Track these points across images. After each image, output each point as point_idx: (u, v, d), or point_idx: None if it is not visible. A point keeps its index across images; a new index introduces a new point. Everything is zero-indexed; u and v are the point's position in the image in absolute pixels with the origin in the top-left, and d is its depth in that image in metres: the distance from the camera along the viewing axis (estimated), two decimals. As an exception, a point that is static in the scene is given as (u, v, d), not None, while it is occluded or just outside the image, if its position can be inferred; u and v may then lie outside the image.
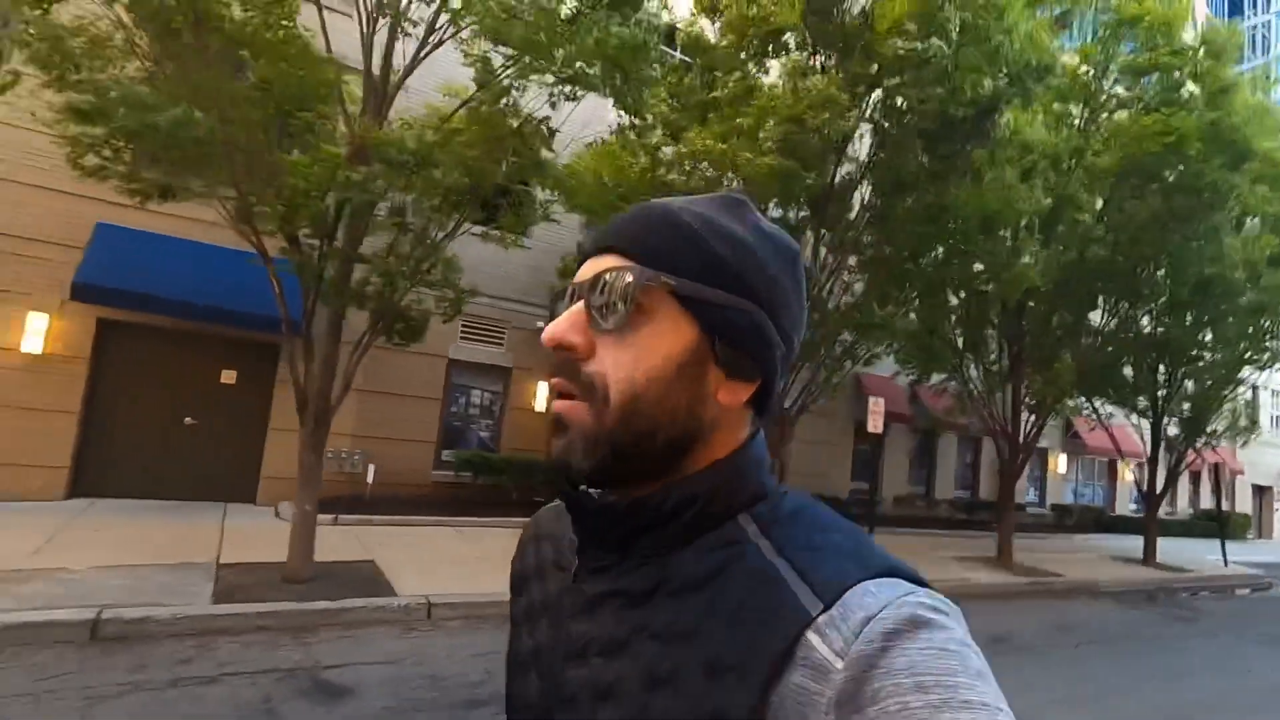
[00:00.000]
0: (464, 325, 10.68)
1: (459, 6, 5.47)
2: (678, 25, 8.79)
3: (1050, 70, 6.99)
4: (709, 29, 8.74)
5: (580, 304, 0.56)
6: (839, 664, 0.44)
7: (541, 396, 11.38)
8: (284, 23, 5.64)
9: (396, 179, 5.20)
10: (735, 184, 8.20)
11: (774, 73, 8.37)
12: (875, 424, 9.12)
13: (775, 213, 8.89)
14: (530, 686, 0.60)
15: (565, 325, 0.56)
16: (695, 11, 8.70)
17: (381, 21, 5.97)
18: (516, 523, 9.58)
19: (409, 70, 6.06)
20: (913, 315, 9.11)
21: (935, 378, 12.39)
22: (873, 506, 9.77)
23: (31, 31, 4.84)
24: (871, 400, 9.16)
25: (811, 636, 0.46)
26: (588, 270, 0.57)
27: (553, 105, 5.97)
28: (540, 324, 11.29)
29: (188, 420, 8.86)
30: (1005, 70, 6.47)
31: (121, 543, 6.29)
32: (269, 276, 5.77)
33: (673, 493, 0.54)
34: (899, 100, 7.05)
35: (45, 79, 5.06)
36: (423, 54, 5.95)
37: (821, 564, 0.49)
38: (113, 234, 8.23)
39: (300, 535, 5.78)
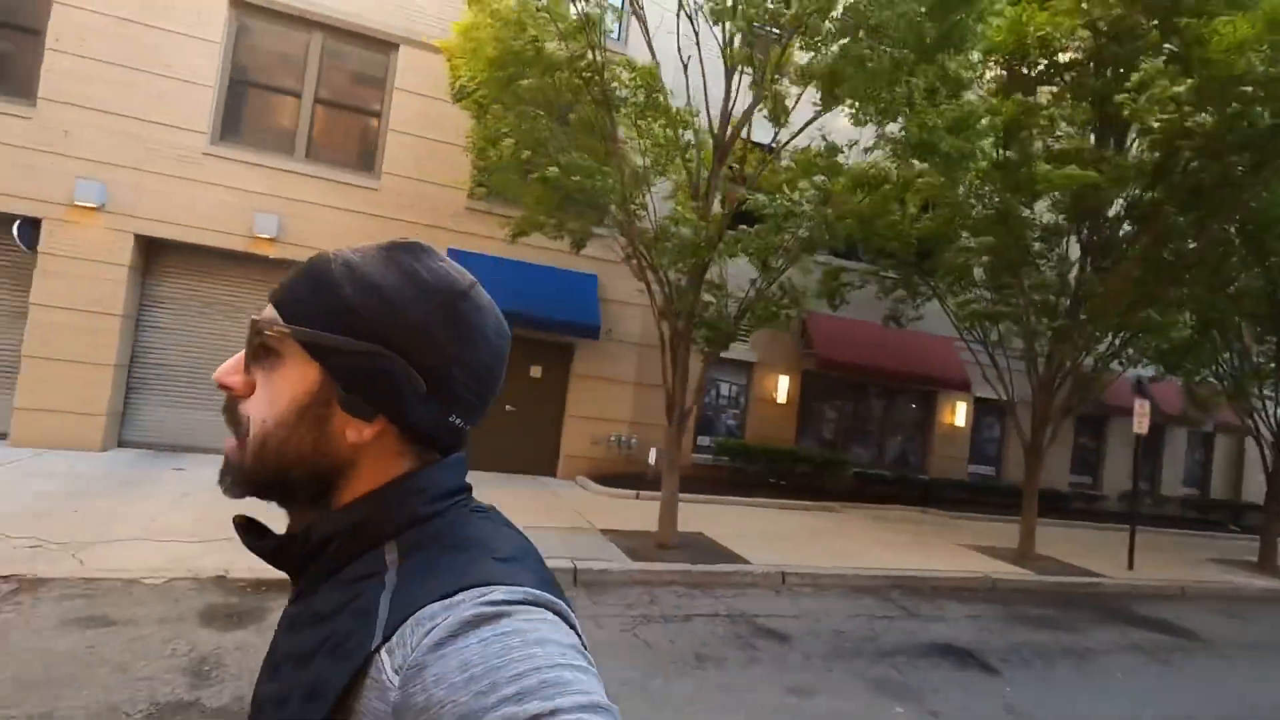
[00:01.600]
0: (716, 325, 11.91)
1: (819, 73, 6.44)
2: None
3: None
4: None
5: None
6: (396, 680, 0.47)
7: (782, 389, 12.41)
8: (658, 96, 6.91)
9: (771, 234, 6.31)
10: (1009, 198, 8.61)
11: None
12: (1141, 425, 9.25)
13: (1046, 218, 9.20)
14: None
15: (227, 366, 0.61)
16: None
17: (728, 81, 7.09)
18: (775, 502, 10.73)
19: (743, 123, 7.15)
20: (1182, 318, 9.09)
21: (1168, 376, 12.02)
22: (1142, 501, 9.87)
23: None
24: (1137, 403, 9.28)
25: (383, 658, 0.49)
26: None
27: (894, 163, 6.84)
28: (780, 322, 12.26)
29: (508, 408, 10.77)
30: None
31: (509, 508, 8.05)
32: (654, 312, 7.15)
33: (315, 529, 0.58)
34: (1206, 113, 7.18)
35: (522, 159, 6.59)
36: (786, 123, 7.02)
37: (416, 588, 0.52)
38: (461, 259, 10.15)
39: (667, 511, 7.20)
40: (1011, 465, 14.56)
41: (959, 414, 13.70)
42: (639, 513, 8.69)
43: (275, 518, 0.65)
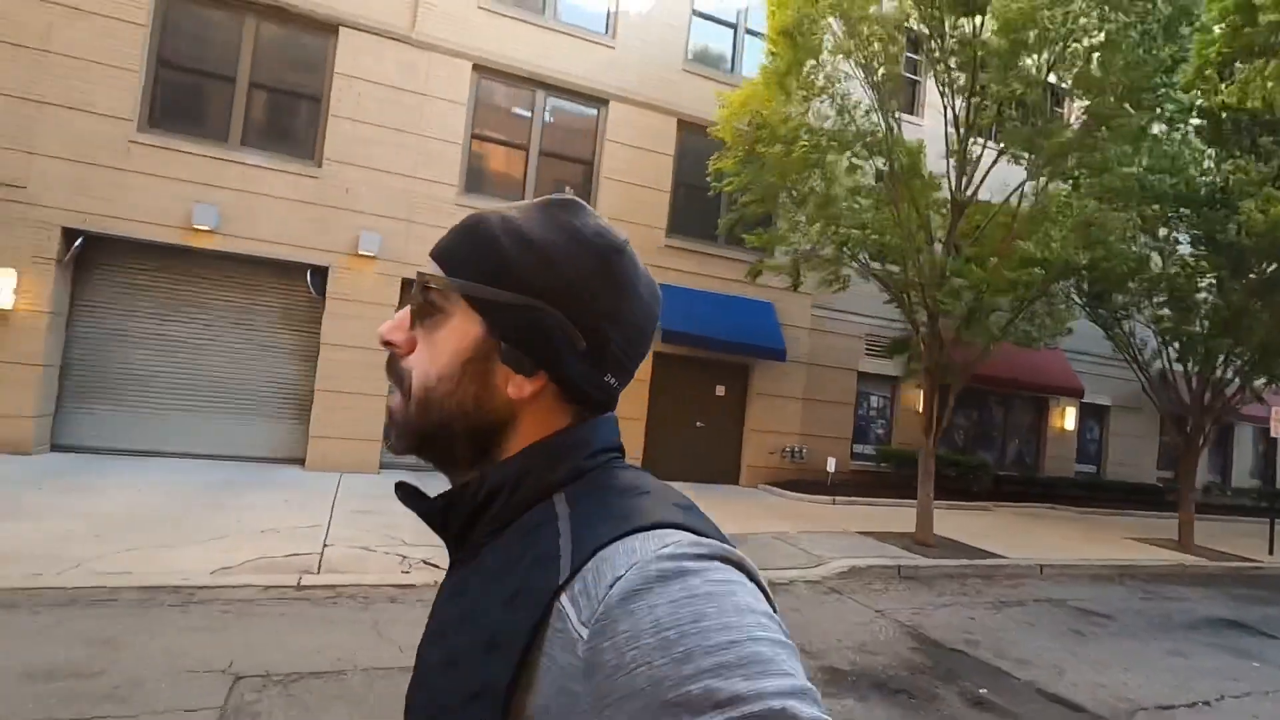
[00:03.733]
0: (867, 345, 13.21)
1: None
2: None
3: None
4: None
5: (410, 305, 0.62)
6: (585, 633, 0.44)
7: (923, 400, 13.69)
8: (921, 166, 8.15)
9: (1032, 276, 7.58)
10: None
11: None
12: (1277, 429, 10.67)
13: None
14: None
15: (390, 324, 0.62)
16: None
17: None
18: (937, 503, 11.98)
19: (978, 188, 8.42)
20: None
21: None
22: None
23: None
24: (1275, 409, 10.71)
25: (566, 607, 0.46)
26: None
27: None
28: (921, 340, 13.58)
29: (698, 424, 11.96)
30: None
31: (739, 514, 9.25)
32: (921, 346, 8.38)
33: (484, 481, 0.58)
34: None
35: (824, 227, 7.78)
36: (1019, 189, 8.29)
37: (591, 530, 0.50)
38: (661, 291, 11.30)
39: (924, 514, 8.44)
40: (1112, 464, 16.05)
41: (1068, 418, 15.12)
42: (855, 515, 9.94)
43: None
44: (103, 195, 8.61)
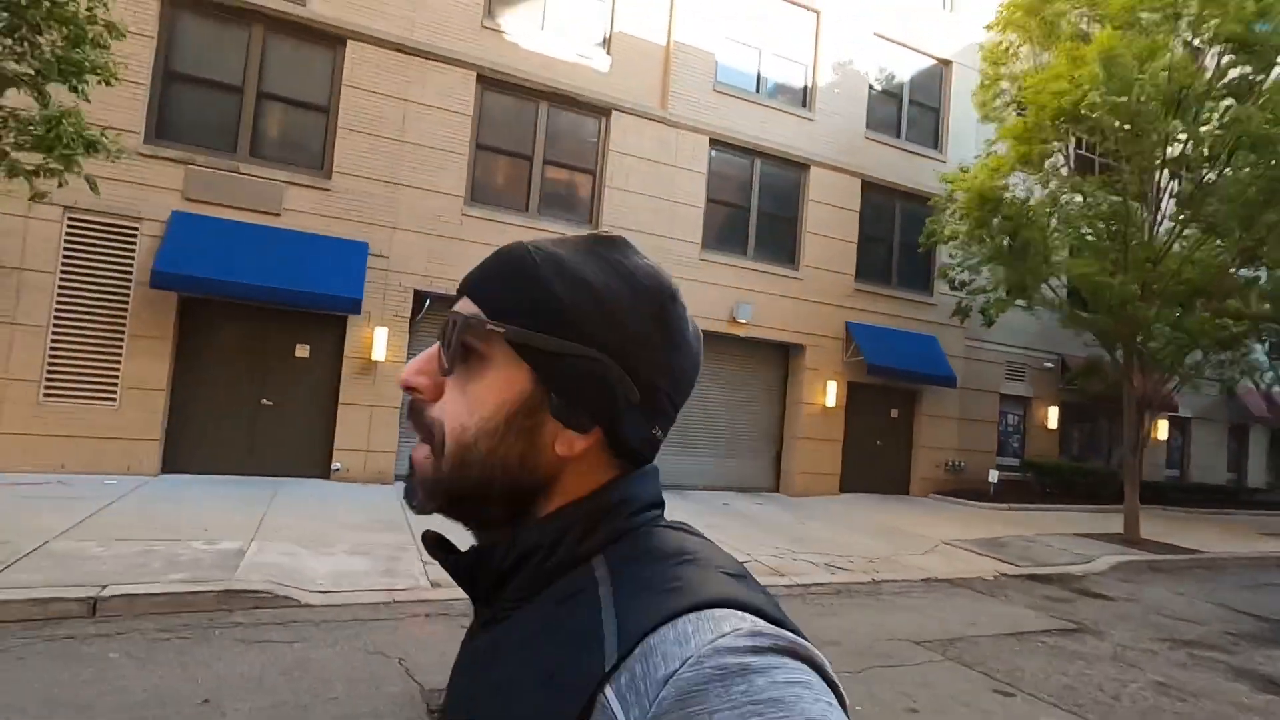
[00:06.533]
0: (1007, 371, 15.16)
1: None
2: None
3: None
4: None
5: (437, 346, 0.56)
6: None
7: (1052, 417, 15.69)
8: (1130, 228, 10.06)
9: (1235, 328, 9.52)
10: None
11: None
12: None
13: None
14: None
15: (415, 366, 0.56)
16: None
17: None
18: (1076, 506, 13.90)
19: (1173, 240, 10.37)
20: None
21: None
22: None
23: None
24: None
25: (612, 702, 0.42)
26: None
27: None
28: (1048, 364, 15.59)
29: (878, 442, 13.75)
30: None
31: (962, 521, 11.03)
32: (1128, 382, 10.27)
33: (517, 541, 0.54)
34: None
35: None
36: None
37: (640, 605, 0.47)
38: (858, 329, 13.09)
39: (1132, 517, 10.31)
40: (1194, 468, 18.26)
41: (1162, 430, 17.24)
42: (1034, 519, 11.81)
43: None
44: (442, 260, 10.10)
